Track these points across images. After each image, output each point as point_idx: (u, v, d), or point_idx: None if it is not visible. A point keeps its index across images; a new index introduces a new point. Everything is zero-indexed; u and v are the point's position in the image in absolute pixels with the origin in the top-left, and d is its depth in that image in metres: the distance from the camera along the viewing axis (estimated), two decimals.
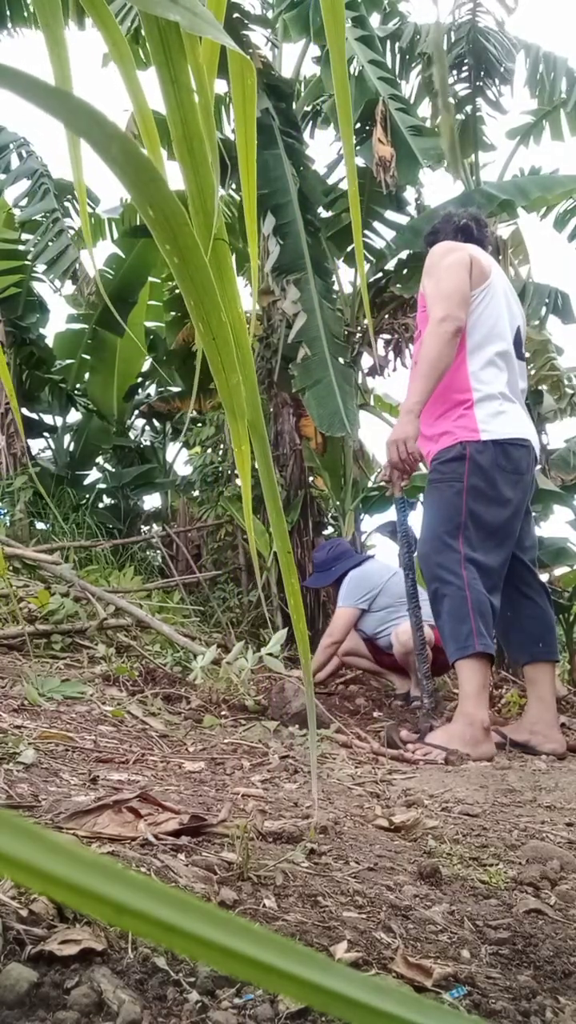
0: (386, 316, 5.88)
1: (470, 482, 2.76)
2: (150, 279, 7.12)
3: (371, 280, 5.97)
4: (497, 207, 5.31)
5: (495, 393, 2.86)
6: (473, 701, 2.64)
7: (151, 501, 7.84)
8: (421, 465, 3.39)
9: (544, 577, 5.17)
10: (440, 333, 2.73)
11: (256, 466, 0.73)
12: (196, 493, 5.87)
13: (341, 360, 5.10)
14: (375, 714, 3.44)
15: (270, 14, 5.85)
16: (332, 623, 4.07)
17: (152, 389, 7.90)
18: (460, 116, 5.86)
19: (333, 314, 5.33)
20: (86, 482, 7.45)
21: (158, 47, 0.65)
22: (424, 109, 6.02)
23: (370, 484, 6.10)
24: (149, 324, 7.61)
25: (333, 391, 4.79)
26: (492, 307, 2.92)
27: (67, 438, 7.48)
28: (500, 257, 5.50)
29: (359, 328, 5.92)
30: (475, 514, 2.77)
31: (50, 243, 5.67)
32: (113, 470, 7.64)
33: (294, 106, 5.64)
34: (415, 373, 2.80)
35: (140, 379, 7.68)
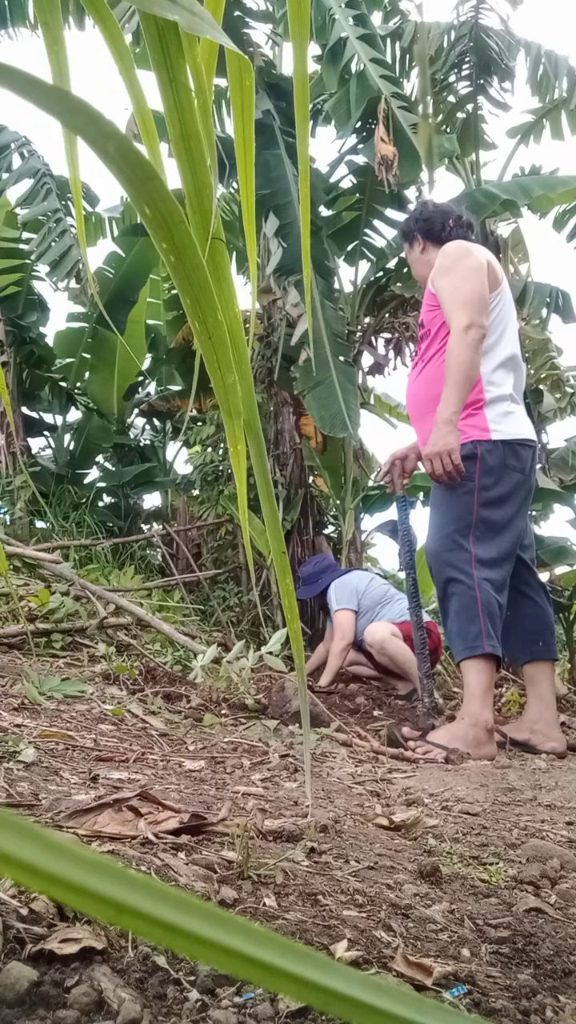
0: (387, 315, 5.88)
1: (481, 482, 2.76)
2: (150, 277, 7.12)
3: (372, 279, 5.97)
4: (500, 206, 5.29)
5: (505, 395, 2.87)
6: (478, 702, 2.64)
7: (151, 500, 7.85)
8: (421, 464, 3.39)
9: (544, 576, 5.19)
10: (469, 342, 2.72)
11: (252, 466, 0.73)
12: (196, 492, 5.87)
13: (343, 359, 5.09)
14: (375, 713, 3.45)
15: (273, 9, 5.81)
16: (338, 628, 4.19)
17: (152, 388, 7.90)
18: (461, 114, 5.85)
19: (335, 313, 5.33)
20: (86, 481, 7.45)
21: (156, 46, 0.64)
22: None
23: (370, 483, 6.10)
24: (149, 322, 7.61)
25: (335, 392, 4.79)
26: (505, 311, 2.94)
27: (67, 437, 7.48)
28: (500, 255, 5.49)
29: (360, 327, 5.91)
30: (485, 514, 2.77)
31: (53, 243, 5.64)
32: (113, 469, 7.64)
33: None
34: (447, 383, 2.72)
35: (140, 377, 7.67)
